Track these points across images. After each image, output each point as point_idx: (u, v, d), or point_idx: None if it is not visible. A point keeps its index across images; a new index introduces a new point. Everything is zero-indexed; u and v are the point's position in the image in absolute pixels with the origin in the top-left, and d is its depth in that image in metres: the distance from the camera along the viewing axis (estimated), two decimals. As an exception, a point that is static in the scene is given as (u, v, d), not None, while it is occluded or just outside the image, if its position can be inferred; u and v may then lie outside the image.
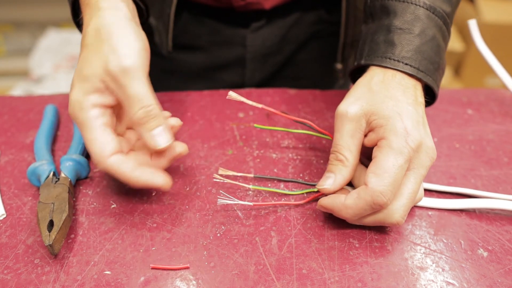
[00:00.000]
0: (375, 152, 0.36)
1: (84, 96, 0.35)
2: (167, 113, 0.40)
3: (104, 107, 0.36)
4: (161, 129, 0.36)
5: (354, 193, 0.35)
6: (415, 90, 0.38)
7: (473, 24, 0.53)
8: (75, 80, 0.36)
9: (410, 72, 0.38)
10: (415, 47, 0.39)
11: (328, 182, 0.37)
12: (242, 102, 0.40)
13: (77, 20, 0.43)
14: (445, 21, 0.41)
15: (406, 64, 0.38)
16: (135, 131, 0.40)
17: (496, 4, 1.62)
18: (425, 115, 0.38)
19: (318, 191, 0.39)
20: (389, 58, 0.39)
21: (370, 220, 0.36)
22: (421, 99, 0.38)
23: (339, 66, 0.66)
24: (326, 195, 0.38)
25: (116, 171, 0.35)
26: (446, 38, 0.42)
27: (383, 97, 0.37)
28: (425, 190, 0.42)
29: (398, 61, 0.39)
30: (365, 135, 0.37)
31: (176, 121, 0.39)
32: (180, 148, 0.38)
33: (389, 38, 0.40)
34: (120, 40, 0.35)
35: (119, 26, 0.36)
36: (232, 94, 0.40)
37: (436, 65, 0.40)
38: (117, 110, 0.38)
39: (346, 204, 0.35)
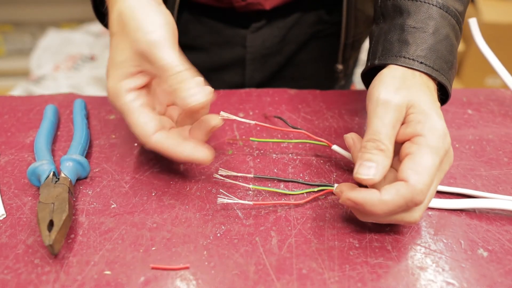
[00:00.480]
0: (410, 148, 0.34)
1: (119, 83, 0.37)
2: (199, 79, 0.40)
3: (139, 89, 0.38)
4: (195, 86, 0.35)
5: (391, 188, 0.32)
6: (435, 91, 0.38)
7: (473, 23, 0.53)
8: (109, 68, 0.38)
9: (425, 71, 0.38)
10: (429, 45, 0.38)
11: (372, 172, 0.33)
12: (242, 102, 0.40)
13: (102, 11, 0.44)
14: (458, 20, 0.41)
15: (421, 63, 0.38)
16: (175, 107, 0.43)
17: (496, 4, 1.62)
18: None
19: (321, 190, 0.40)
20: (404, 57, 0.38)
21: (391, 218, 0.34)
22: (437, 101, 0.38)
23: (339, 67, 0.66)
24: (332, 193, 0.38)
25: (161, 148, 0.37)
26: (458, 37, 0.42)
27: (418, 91, 0.36)
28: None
29: (413, 59, 0.38)
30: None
31: (216, 122, 0.39)
32: (215, 120, 0.39)
33: (403, 37, 0.39)
34: (143, 19, 0.37)
35: (140, 6, 0.37)
36: (224, 114, 0.40)
37: (450, 64, 0.40)
38: (154, 90, 0.40)
39: (383, 199, 0.32)
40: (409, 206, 0.33)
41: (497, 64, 0.53)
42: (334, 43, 0.65)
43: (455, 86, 1.68)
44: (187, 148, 0.37)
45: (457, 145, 0.48)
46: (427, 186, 0.32)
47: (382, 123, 0.35)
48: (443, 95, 0.41)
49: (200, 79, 0.38)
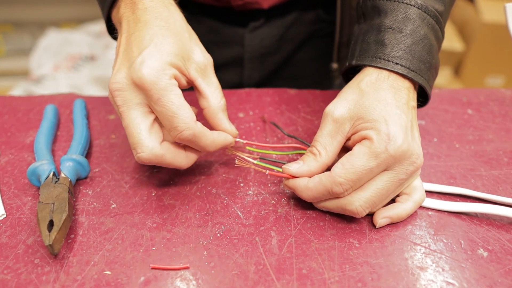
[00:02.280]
0: (355, 147, 0.36)
1: (167, 65, 0.35)
2: None
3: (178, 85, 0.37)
4: (230, 128, 0.40)
5: (317, 177, 0.36)
6: (408, 93, 0.38)
7: (510, 7, 0.52)
8: (153, 50, 0.35)
9: (400, 72, 0.38)
10: (406, 46, 0.39)
11: (294, 166, 0.38)
12: (242, 102, 0.41)
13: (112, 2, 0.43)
14: (437, 20, 0.40)
15: (396, 63, 0.38)
16: None
17: (496, 4, 1.62)
18: (416, 119, 0.38)
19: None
20: (380, 58, 0.39)
21: (331, 205, 0.37)
22: (413, 102, 0.38)
23: (335, 65, 0.66)
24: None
25: (204, 134, 0.37)
26: (439, 37, 0.42)
27: (372, 100, 0.36)
28: (426, 191, 0.41)
29: (388, 60, 0.38)
30: (349, 138, 0.37)
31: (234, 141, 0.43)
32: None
33: (379, 38, 0.40)
34: (196, 37, 0.40)
35: (187, 24, 0.40)
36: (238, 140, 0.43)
37: (428, 64, 0.40)
38: None
39: (307, 185, 0.36)
40: (331, 194, 0.36)
41: None
42: (332, 42, 0.65)
43: (455, 86, 1.68)
44: (216, 133, 0.39)
45: (457, 145, 0.48)
46: (349, 181, 0.34)
47: (321, 133, 0.38)
48: (424, 97, 0.42)
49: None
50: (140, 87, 0.35)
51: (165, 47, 0.36)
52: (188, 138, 0.36)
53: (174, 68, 0.36)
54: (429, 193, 0.42)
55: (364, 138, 0.36)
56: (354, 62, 0.41)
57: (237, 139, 0.42)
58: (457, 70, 1.75)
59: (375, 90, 0.37)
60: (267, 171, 0.39)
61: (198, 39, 0.40)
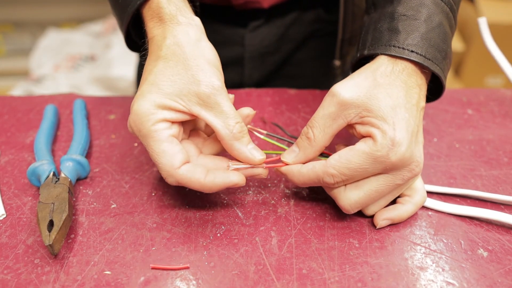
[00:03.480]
0: (358, 143, 0.35)
1: (156, 109, 0.35)
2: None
3: (174, 122, 0.36)
4: (254, 144, 0.37)
5: (311, 164, 0.36)
6: (419, 92, 0.36)
7: (483, 22, 0.52)
8: (146, 91, 0.35)
9: (416, 60, 0.36)
10: (421, 33, 0.37)
11: (290, 156, 0.38)
12: (242, 102, 0.41)
13: (133, 34, 0.43)
14: (451, 7, 0.39)
15: (412, 51, 0.36)
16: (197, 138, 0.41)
17: (496, 4, 1.62)
18: (422, 120, 0.37)
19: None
20: (394, 46, 0.36)
21: (327, 192, 0.38)
22: (422, 103, 0.37)
23: (337, 62, 0.66)
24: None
25: (189, 181, 0.35)
26: (453, 26, 0.40)
27: (384, 95, 0.34)
28: (427, 192, 0.41)
29: (403, 48, 0.36)
30: (353, 125, 0.36)
31: (250, 111, 0.39)
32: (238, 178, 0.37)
33: (393, 26, 0.38)
34: (206, 60, 0.36)
35: (200, 44, 0.37)
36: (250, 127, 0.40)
37: (444, 53, 0.38)
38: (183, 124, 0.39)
39: (300, 170, 0.37)
40: (321, 183, 0.36)
41: (505, 64, 0.52)
42: (332, 41, 0.65)
43: (455, 86, 1.68)
44: (218, 175, 0.35)
45: (457, 145, 0.48)
46: (340, 174, 0.34)
47: (322, 113, 0.36)
48: (438, 87, 0.40)
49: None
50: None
51: (167, 87, 0.35)
52: (173, 184, 0.35)
53: (166, 110, 0.35)
54: (430, 193, 0.42)
55: (369, 135, 0.35)
56: (366, 52, 0.38)
57: (257, 132, 0.41)
58: (457, 70, 1.75)
59: (389, 85, 0.35)
60: (264, 165, 0.38)
61: (215, 61, 0.37)
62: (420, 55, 0.36)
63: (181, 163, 0.35)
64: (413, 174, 0.35)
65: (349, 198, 0.36)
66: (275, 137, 0.42)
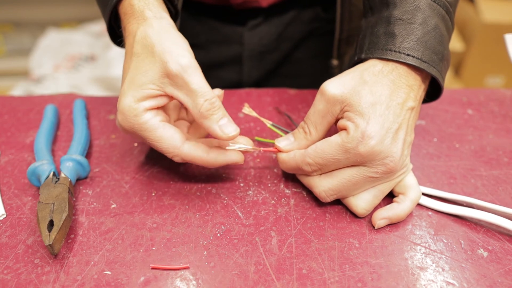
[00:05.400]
0: (333, 136, 0.37)
1: (137, 103, 0.36)
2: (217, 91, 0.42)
3: (156, 108, 0.38)
4: (227, 120, 0.37)
5: (292, 152, 0.39)
6: (409, 92, 0.37)
7: (509, 38, 0.52)
8: (126, 89, 0.37)
9: (412, 63, 0.37)
10: (417, 37, 0.37)
11: (285, 143, 0.40)
12: (241, 102, 0.41)
13: (118, 31, 0.44)
14: (447, 10, 0.40)
15: (408, 55, 0.37)
16: (181, 121, 0.43)
17: (496, 4, 1.62)
18: (412, 120, 0.37)
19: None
20: (390, 50, 0.37)
21: (304, 181, 0.40)
22: (412, 103, 0.37)
23: (335, 62, 0.66)
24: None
25: (193, 157, 0.38)
26: (449, 28, 0.40)
27: (367, 91, 0.36)
28: (427, 195, 0.41)
29: (399, 52, 0.37)
30: (338, 119, 0.38)
31: (218, 91, 0.41)
32: (236, 157, 0.40)
33: (389, 30, 0.39)
34: (172, 43, 0.37)
35: (166, 31, 0.37)
36: (246, 110, 0.42)
37: (440, 55, 0.38)
38: (165, 109, 0.41)
39: (284, 158, 0.40)
40: (301, 170, 0.39)
41: None
42: (331, 40, 0.65)
43: (455, 86, 1.68)
44: (219, 153, 0.38)
45: (457, 145, 0.48)
46: (316, 163, 0.37)
47: (313, 111, 0.38)
48: (434, 90, 0.41)
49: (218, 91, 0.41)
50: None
51: (141, 78, 0.36)
52: (180, 162, 0.38)
53: (145, 100, 0.36)
54: (431, 196, 0.42)
55: (344, 128, 0.36)
56: (363, 56, 0.40)
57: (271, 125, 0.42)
58: (457, 70, 1.75)
59: (374, 83, 0.36)
60: (262, 149, 0.41)
61: (182, 43, 0.38)
62: (416, 58, 0.37)
63: (182, 142, 0.37)
64: (388, 168, 0.36)
65: (323, 185, 0.38)
66: (280, 128, 0.44)
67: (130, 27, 0.39)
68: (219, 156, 0.38)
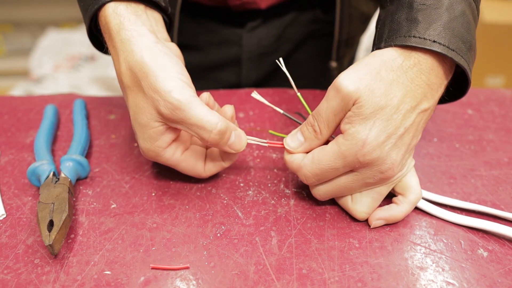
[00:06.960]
0: (330, 143, 0.35)
1: (154, 143, 0.37)
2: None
3: (173, 139, 0.38)
4: (233, 137, 0.37)
5: (292, 157, 0.38)
6: (426, 92, 0.34)
7: None
8: (136, 129, 0.37)
9: (439, 51, 0.33)
10: (443, 23, 0.34)
11: (294, 144, 0.38)
12: (241, 102, 0.41)
13: (103, 50, 0.43)
14: None
15: (434, 41, 0.33)
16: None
17: (496, 4, 1.62)
18: (421, 124, 0.35)
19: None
20: (414, 37, 0.33)
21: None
22: (426, 104, 0.34)
23: (334, 64, 0.66)
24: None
25: (214, 173, 0.41)
26: (476, 16, 0.37)
27: (381, 92, 0.33)
28: (427, 200, 0.41)
29: (424, 38, 0.33)
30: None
31: (231, 110, 0.40)
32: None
33: (412, 16, 0.35)
34: (159, 69, 0.35)
35: (149, 54, 0.35)
36: (256, 96, 0.40)
37: (468, 44, 0.35)
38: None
39: (285, 158, 0.38)
40: (298, 171, 0.38)
41: None
42: (330, 42, 0.65)
43: (455, 86, 1.68)
44: (231, 157, 0.41)
45: (457, 145, 0.48)
46: (313, 175, 0.36)
47: (326, 107, 0.35)
48: (464, 82, 0.37)
49: (236, 128, 0.39)
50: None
51: (142, 118, 0.36)
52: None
53: (158, 139, 0.37)
54: (432, 202, 0.42)
55: (343, 131, 0.34)
56: (383, 45, 0.35)
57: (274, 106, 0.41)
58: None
59: (391, 82, 0.33)
60: (267, 144, 0.40)
61: (166, 58, 0.36)
62: (443, 45, 0.33)
63: (203, 168, 0.40)
64: (385, 175, 0.35)
65: (318, 189, 0.38)
66: (292, 118, 0.42)
67: (112, 50, 0.38)
68: (231, 159, 0.41)
